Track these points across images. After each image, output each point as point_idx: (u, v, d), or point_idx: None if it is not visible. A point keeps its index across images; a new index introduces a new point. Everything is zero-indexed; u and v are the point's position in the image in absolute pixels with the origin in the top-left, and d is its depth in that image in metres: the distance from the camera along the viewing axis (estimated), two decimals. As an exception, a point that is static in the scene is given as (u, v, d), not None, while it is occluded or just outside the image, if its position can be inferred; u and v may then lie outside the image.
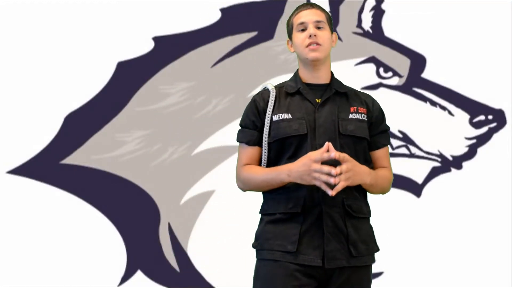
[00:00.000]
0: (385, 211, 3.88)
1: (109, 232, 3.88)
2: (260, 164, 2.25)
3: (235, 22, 3.93)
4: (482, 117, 3.92)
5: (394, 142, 3.91)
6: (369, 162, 2.25)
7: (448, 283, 3.86)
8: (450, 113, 3.92)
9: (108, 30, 3.95)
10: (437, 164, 3.92)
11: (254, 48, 3.97)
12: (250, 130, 2.26)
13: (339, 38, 3.96)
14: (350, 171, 2.07)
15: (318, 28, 2.23)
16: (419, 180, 3.92)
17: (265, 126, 2.21)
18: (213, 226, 3.87)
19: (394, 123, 3.89)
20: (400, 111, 3.91)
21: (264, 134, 2.21)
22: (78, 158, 3.90)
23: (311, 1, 2.36)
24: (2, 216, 3.88)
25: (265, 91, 2.27)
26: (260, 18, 3.96)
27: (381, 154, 2.29)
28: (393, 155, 3.91)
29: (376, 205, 3.91)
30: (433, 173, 3.92)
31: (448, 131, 3.90)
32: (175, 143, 3.90)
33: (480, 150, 3.92)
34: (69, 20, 3.96)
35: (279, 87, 2.28)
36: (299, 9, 2.29)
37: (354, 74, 3.92)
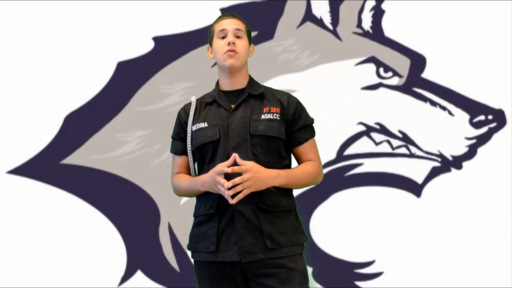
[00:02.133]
0: (385, 211, 3.89)
1: (109, 232, 3.88)
2: (189, 171, 2.44)
3: (235, 22, 3.93)
4: (482, 117, 3.92)
5: (394, 142, 3.91)
6: (284, 158, 2.36)
7: (448, 283, 3.86)
8: (450, 113, 3.92)
9: (108, 30, 3.96)
10: (437, 164, 3.91)
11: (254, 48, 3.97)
12: (176, 141, 2.47)
13: (339, 38, 3.97)
14: (250, 179, 2.19)
15: (237, 37, 2.37)
16: (419, 180, 3.92)
17: (187, 136, 2.39)
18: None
19: (394, 123, 3.92)
20: (400, 111, 3.91)
21: (188, 143, 2.39)
22: (78, 158, 3.90)
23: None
24: (2, 216, 3.88)
25: (188, 104, 2.44)
26: (260, 18, 3.96)
27: (305, 149, 2.39)
28: (393, 155, 3.91)
29: (376, 205, 3.93)
30: (433, 173, 3.92)
31: (448, 131, 3.90)
32: (175, 143, 3.90)
33: (480, 150, 3.92)
34: (69, 20, 3.96)
35: (201, 99, 2.44)
36: (221, 17, 2.45)
37: (354, 74, 3.93)
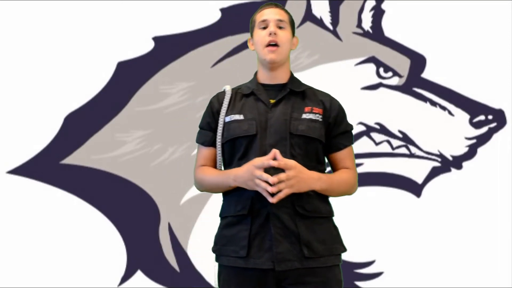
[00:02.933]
0: (385, 211, 3.89)
1: (109, 232, 3.88)
2: (215, 165, 2.27)
3: (235, 22, 3.93)
4: (482, 117, 3.92)
5: (394, 142, 3.91)
6: (322, 163, 2.22)
7: (448, 283, 3.86)
8: (450, 113, 3.92)
9: (108, 30, 3.95)
10: (437, 164, 3.92)
11: (254, 48, 3.97)
12: (205, 131, 2.28)
13: (339, 38, 3.96)
14: (293, 178, 2.03)
15: (280, 27, 2.22)
16: (419, 180, 3.92)
17: (218, 126, 2.23)
18: (213, 226, 3.86)
19: (394, 123, 3.92)
20: (400, 111, 3.91)
21: (218, 135, 2.23)
22: (78, 158, 3.90)
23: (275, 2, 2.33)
24: (2, 216, 3.88)
25: (222, 93, 2.29)
26: (260, 18, 3.96)
27: (343, 156, 2.26)
28: (393, 155, 3.91)
29: (376, 205, 3.93)
30: (433, 173, 3.92)
31: (448, 131, 3.90)
32: (175, 143, 3.90)
33: (480, 150, 3.92)
34: (69, 20, 3.96)
35: (236, 89, 2.29)
36: (263, 7, 2.28)
37: (354, 74, 3.93)
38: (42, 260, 3.86)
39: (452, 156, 3.91)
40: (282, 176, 2.02)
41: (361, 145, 3.90)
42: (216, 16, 3.95)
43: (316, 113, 2.20)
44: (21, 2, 3.96)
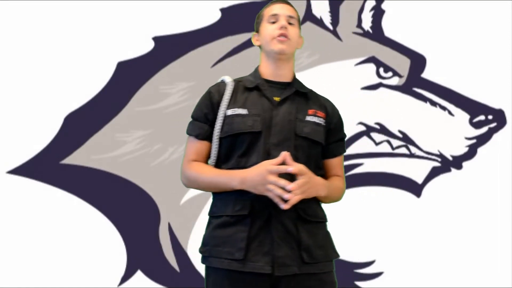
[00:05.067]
0: (385, 211, 3.89)
1: (109, 232, 3.87)
2: (207, 160, 2.14)
3: (235, 22, 3.93)
4: (482, 117, 3.92)
5: (394, 142, 3.91)
6: (320, 168, 2.17)
7: (448, 283, 3.86)
8: (450, 113, 3.92)
9: (108, 30, 3.95)
10: (437, 164, 3.91)
11: (254, 48, 3.96)
12: (200, 123, 2.15)
13: (339, 38, 3.96)
14: (307, 184, 1.98)
15: (290, 23, 2.18)
16: (419, 180, 3.92)
17: (217, 120, 2.10)
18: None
19: (394, 123, 3.92)
20: (400, 111, 3.91)
21: (216, 129, 2.10)
22: (78, 158, 3.90)
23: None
24: (2, 216, 3.88)
25: (222, 84, 2.18)
26: (260, 18, 3.96)
27: (336, 163, 2.22)
28: (393, 155, 3.91)
29: (376, 205, 3.93)
30: (433, 173, 3.92)
31: (448, 131, 3.90)
32: (175, 143, 3.90)
33: (480, 150, 3.92)
34: (69, 20, 3.96)
35: (237, 81, 2.18)
36: (272, 3, 2.24)
37: (354, 74, 3.93)
38: (42, 260, 3.86)
39: (452, 156, 3.91)
40: (299, 182, 1.96)
41: (361, 145, 3.90)
42: (216, 16, 3.95)
43: (319, 117, 2.15)
44: (21, 2, 3.96)
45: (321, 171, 2.17)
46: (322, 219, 2.14)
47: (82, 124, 3.91)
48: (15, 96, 3.92)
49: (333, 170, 2.22)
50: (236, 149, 2.08)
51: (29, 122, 3.91)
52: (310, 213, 2.07)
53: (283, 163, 1.98)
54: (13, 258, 3.86)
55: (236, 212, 2.03)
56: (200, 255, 2.16)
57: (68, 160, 3.90)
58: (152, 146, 3.92)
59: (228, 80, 2.18)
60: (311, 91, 2.24)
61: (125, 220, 3.89)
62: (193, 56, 3.95)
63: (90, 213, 3.88)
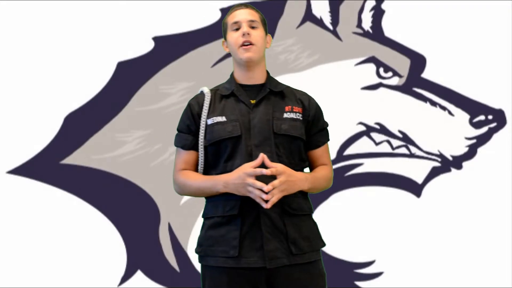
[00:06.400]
0: (385, 211, 3.89)
1: (109, 232, 3.88)
2: (197, 168, 2.26)
3: (235, 22, 3.93)
4: (482, 117, 3.92)
5: (394, 142, 3.91)
6: (304, 160, 2.26)
7: (448, 283, 3.86)
8: (450, 113, 3.92)
9: (108, 30, 3.96)
10: (437, 164, 3.91)
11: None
12: (185, 134, 2.27)
13: (339, 38, 3.96)
14: (285, 183, 2.08)
15: (252, 27, 2.24)
16: (419, 180, 3.92)
17: (200, 129, 2.22)
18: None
19: (394, 123, 3.92)
20: (400, 111, 3.91)
21: (200, 138, 2.22)
22: (78, 158, 3.90)
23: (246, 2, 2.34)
24: (2, 216, 3.88)
25: (201, 95, 2.28)
26: (260, 18, 3.96)
27: (321, 152, 2.31)
28: (393, 155, 3.91)
29: (376, 205, 3.93)
30: (433, 173, 3.92)
31: (448, 131, 3.90)
32: (175, 143, 3.90)
33: (480, 150, 3.92)
34: (69, 20, 3.96)
35: (214, 90, 2.29)
36: (233, 9, 2.30)
37: (354, 74, 3.93)
38: (42, 260, 3.86)
39: (452, 156, 3.91)
40: (275, 183, 2.07)
41: (361, 145, 3.90)
42: (216, 16, 3.95)
43: (296, 112, 2.24)
44: (21, 2, 3.96)
45: (305, 163, 2.28)
46: (307, 212, 2.24)
47: (82, 124, 3.91)
48: (15, 96, 3.93)
49: (319, 160, 2.31)
50: (221, 154, 2.20)
51: (29, 122, 3.91)
52: (294, 207, 2.18)
53: (262, 164, 2.09)
54: (13, 258, 3.86)
55: (226, 212, 2.16)
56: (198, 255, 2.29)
57: (68, 160, 3.90)
58: (152, 146, 3.92)
59: (206, 90, 2.28)
60: (286, 87, 2.32)
61: (125, 220, 3.89)
62: (193, 56, 3.95)
63: (90, 213, 3.88)
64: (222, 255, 2.14)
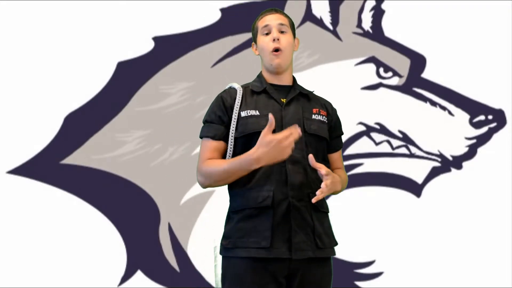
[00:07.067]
0: (385, 211, 3.89)
1: (109, 232, 3.88)
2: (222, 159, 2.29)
3: (235, 22, 3.93)
4: (482, 117, 3.92)
5: (394, 142, 3.91)
6: (326, 161, 2.35)
7: (448, 283, 3.86)
8: (450, 113, 3.92)
9: (108, 30, 3.96)
10: (437, 164, 3.92)
11: (254, 48, 3.97)
12: (216, 125, 2.29)
13: (339, 38, 3.97)
14: (332, 183, 2.18)
15: (281, 32, 2.33)
16: (419, 180, 3.92)
17: (232, 121, 2.27)
18: (213, 226, 3.86)
19: (394, 123, 3.93)
20: (400, 111, 3.92)
21: (231, 129, 2.26)
22: (78, 158, 3.90)
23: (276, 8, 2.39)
24: (2, 216, 3.88)
25: (232, 89, 2.35)
26: (260, 18, 3.96)
27: (338, 156, 2.44)
28: (393, 155, 3.91)
29: (376, 205, 3.93)
30: (433, 173, 3.92)
31: (448, 131, 3.91)
32: (175, 143, 3.90)
33: (480, 150, 3.92)
34: (69, 20, 3.96)
35: (244, 87, 2.36)
36: (263, 13, 2.39)
37: (354, 74, 3.93)
38: (42, 260, 3.86)
39: (452, 156, 3.91)
40: (328, 183, 2.15)
41: (361, 145, 3.90)
42: (216, 16, 3.96)
43: (322, 115, 2.34)
44: (21, 2, 3.97)
45: (327, 164, 2.35)
46: (327, 210, 2.33)
47: (82, 124, 3.91)
48: (15, 96, 3.93)
49: (335, 163, 2.42)
50: (251, 147, 2.20)
51: (29, 122, 3.91)
52: (320, 203, 2.25)
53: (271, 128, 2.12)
54: (13, 258, 3.86)
55: (259, 204, 2.20)
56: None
57: (68, 160, 3.90)
58: (152, 146, 3.92)
59: (237, 86, 2.35)
60: (311, 92, 2.41)
61: (125, 220, 3.89)
62: (193, 56, 3.95)
63: (90, 213, 3.88)
64: (254, 246, 2.17)
